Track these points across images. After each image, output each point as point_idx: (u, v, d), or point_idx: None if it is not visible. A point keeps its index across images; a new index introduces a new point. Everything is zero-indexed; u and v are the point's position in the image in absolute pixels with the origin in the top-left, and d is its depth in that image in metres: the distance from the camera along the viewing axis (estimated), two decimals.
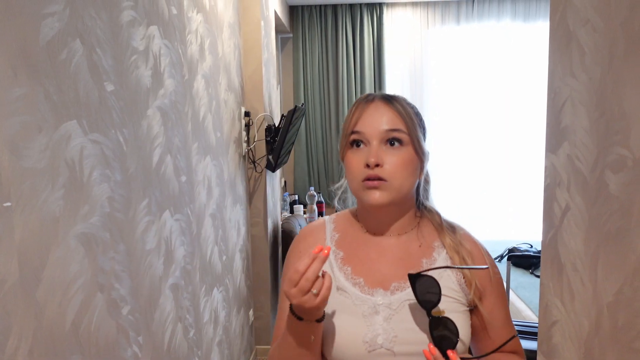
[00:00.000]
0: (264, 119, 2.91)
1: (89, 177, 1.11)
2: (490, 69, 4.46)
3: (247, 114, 2.79)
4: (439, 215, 1.09)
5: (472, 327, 1.00)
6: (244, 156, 2.79)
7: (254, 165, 2.89)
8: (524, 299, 2.58)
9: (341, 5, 4.40)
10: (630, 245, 0.89)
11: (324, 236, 1.06)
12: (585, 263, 1.07)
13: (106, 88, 1.20)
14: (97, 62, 1.16)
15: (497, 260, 3.27)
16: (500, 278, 1.06)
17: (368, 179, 0.94)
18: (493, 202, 4.67)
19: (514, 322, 1.87)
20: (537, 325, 1.92)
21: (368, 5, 4.39)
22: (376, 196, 0.94)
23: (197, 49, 1.95)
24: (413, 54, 4.49)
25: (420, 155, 0.99)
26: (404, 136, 0.96)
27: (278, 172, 3.48)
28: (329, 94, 4.53)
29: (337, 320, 0.95)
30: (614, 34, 0.95)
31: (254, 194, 2.93)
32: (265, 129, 2.92)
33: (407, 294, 0.95)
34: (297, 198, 4.31)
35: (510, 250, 3.21)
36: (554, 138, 1.27)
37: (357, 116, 0.98)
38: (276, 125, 3.03)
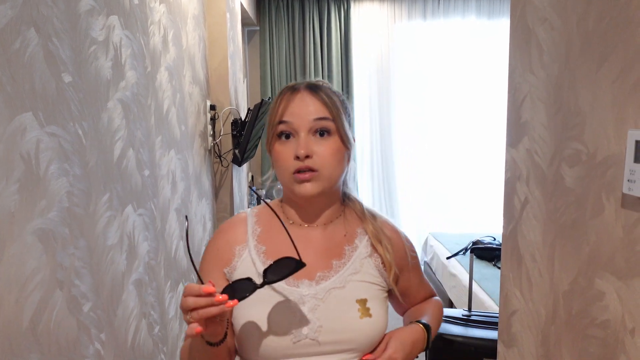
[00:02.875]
0: (229, 112, 2.87)
1: (45, 171, 1.07)
2: (455, 64, 4.54)
3: (212, 107, 2.75)
4: (360, 203, 1.10)
5: (394, 302, 1.07)
6: (210, 150, 2.75)
7: (220, 159, 2.85)
8: (486, 290, 2.65)
9: None
10: (584, 237, 0.93)
11: (245, 230, 1.04)
12: (543, 254, 1.11)
13: (64, 79, 1.17)
14: (53, 52, 1.12)
15: (461, 253, 3.34)
16: (418, 260, 1.13)
17: (299, 171, 0.94)
18: (457, 196, 4.76)
19: (476, 313, 1.92)
20: (497, 315, 1.98)
21: None
22: (308, 188, 0.94)
23: (160, 41, 1.91)
24: (380, 49, 4.52)
25: (346, 143, 0.99)
26: (330, 125, 0.96)
27: (245, 166, 3.45)
28: None
29: (263, 315, 0.94)
30: (570, 32, 0.98)
31: (220, 189, 2.90)
32: (232, 123, 2.88)
33: (332, 283, 0.97)
34: (264, 193, 4.29)
35: (474, 243, 3.29)
36: (514, 133, 1.30)
37: (284, 106, 0.97)
38: (242, 119, 3.00)
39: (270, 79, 4.52)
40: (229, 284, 0.81)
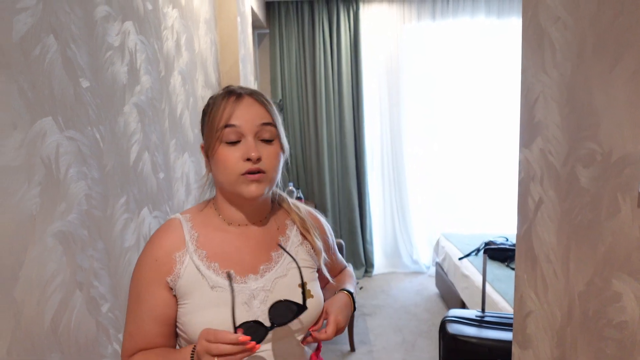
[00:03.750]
0: None
1: (65, 175, 1.10)
2: (465, 65, 4.52)
3: None
4: (286, 198, 1.18)
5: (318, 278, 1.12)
6: None
7: None
8: (499, 291, 2.64)
9: (318, 1, 4.40)
10: (600, 237, 0.93)
11: (181, 236, 1.03)
12: (558, 255, 1.11)
13: (82, 84, 1.19)
14: (71, 58, 1.15)
15: (474, 253, 3.33)
16: (334, 241, 1.25)
17: (249, 172, 0.97)
18: (468, 197, 4.74)
19: (489, 314, 1.92)
20: (512, 316, 1.98)
21: (344, 1, 4.40)
22: (254, 189, 0.98)
23: (173, 45, 1.93)
24: (389, 50, 4.52)
25: (284, 149, 1.07)
26: (274, 130, 1.03)
27: None
28: (307, 89, 4.53)
29: (223, 316, 0.94)
30: (583, 31, 0.99)
31: None
32: None
33: (275, 272, 1.04)
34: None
35: (487, 244, 3.28)
36: (527, 133, 1.30)
37: (229, 111, 1.00)
38: None
39: (281, 81, 4.54)
40: (241, 328, 0.87)
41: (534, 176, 1.24)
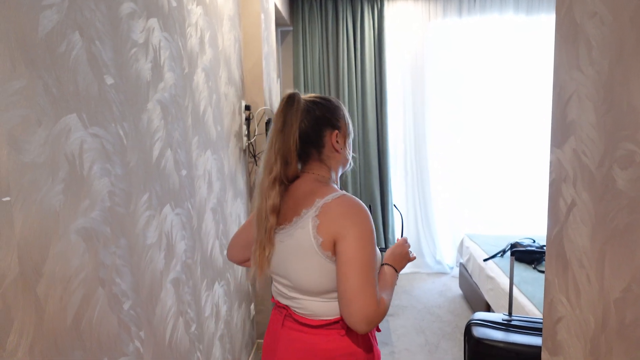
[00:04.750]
0: (264, 112, 2.89)
1: (89, 171, 1.10)
2: (492, 62, 4.44)
3: (247, 107, 2.77)
4: None
5: None
6: (244, 150, 2.77)
7: (255, 159, 2.87)
8: (526, 294, 2.58)
9: None
10: (638, 242, 0.88)
11: None
12: (592, 259, 1.07)
13: (106, 81, 1.19)
14: (96, 54, 1.15)
15: (499, 255, 3.27)
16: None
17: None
18: (493, 196, 4.66)
19: (517, 318, 1.87)
20: (541, 320, 1.93)
21: None
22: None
23: (197, 42, 1.93)
24: (414, 48, 4.46)
25: None
26: None
27: None
28: (329, 87, 4.51)
29: None
30: (623, 27, 0.94)
31: (254, 188, 2.91)
32: (266, 123, 2.90)
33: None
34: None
35: (513, 245, 3.21)
36: (560, 133, 1.26)
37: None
38: None
39: (304, 79, 4.52)
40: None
41: (566, 177, 1.20)
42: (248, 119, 2.80)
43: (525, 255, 3.12)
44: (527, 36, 4.36)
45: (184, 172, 1.73)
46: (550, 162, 1.30)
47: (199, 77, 1.95)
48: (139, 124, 1.37)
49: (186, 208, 1.75)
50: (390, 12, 4.43)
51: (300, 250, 1.20)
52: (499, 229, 4.63)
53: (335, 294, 1.21)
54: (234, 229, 2.48)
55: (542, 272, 2.94)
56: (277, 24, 4.29)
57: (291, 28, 4.52)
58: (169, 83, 1.61)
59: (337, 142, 1.29)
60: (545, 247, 3.24)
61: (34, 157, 0.91)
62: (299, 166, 1.31)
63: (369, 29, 4.38)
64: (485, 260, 3.21)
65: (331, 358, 1.22)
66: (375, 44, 4.43)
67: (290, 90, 1.29)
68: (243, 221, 2.72)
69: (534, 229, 4.67)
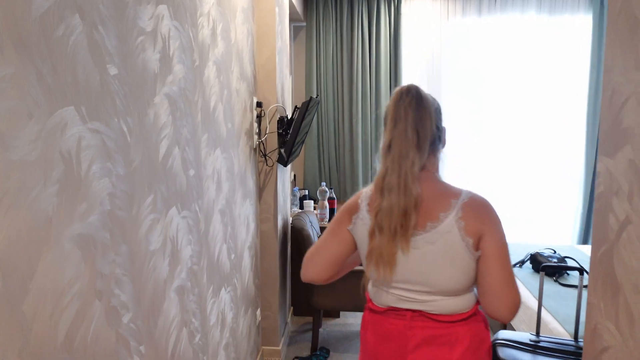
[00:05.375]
0: (276, 110, 2.77)
1: (87, 171, 0.98)
2: (512, 63, 4.29)
3: (259, 104, 2.66)
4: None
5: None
6: (255, 149, 2.66)
7: (265, 158, 2.76)
8: (550, 310, 2.45)
9: None
10: None
11: None
12: None
13: (109, 71, 1.07)
14: (99, 41, 1.03)
15: (516, 265, 3.13)
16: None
17: None
18: (512, 201, 4.51)
19: (545, 338, 1.74)
20: (571, 342, 1.80)
21: None
22: None
23: (209, 34, 1.82)
24: (431, 46, 4.33)
25: None
26: None
27: (289, 166, 3.35)
28: (343, 85, 4.38)
29: None
30: None
31: (264, 189, 2.80)
32: (277, 121, 2.78)
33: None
34: (307, 193, 4.18)
35: (533, 256, 3.06)
36: (611, 140, 1.12)
37: None
38: (288, 117, 2.90)
39: (316, 77, 4.40)
40: None
41: (619, 191, 1.07)
42: (259, 117, 2.69)
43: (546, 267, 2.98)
44: (550, 36, 4.21)
45: (192, 172, 1.62)
46: (599, 173, 1.17)
47: (210, 70, 1.83)
48: (145, 120, 1.26)
49: (193, 210, 1.64)
50: (407, 9, 4.29)
51: (447, 254, 1.21)
52: (515, 235, 4.49)
53: (468, 289, 1.28)
54: (242, 231, 2.37)
55: (565, 285, 2.81)
56: (290, 19, 4.17)
57: (304, 24, 4.39)
58: (178, 76, 1.49)
59: (445, 138, 1.38)
60: (566, 259, 3.11)
61: (24, 155, 0.80)
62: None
63: (385, 26, 4.25)
64: None
65: (476, 345, 1.28)
66: (391, 42, 4.29)
67: (408, 84, 1.29)
68: (252, 223, 2.61)
69: (552, 237, 4.52)
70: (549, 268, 1.84)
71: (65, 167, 0.91)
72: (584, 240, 4.48)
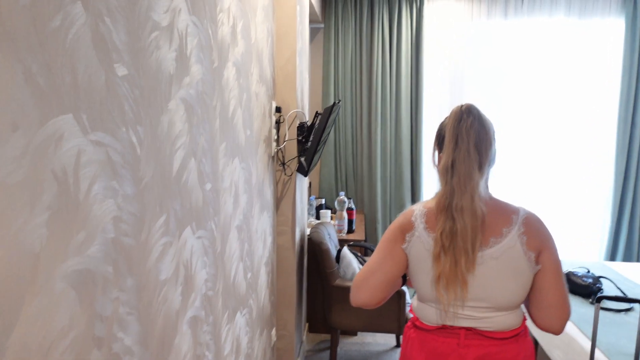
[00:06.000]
0: (295, 115, 2.59)
1: (87, 193, 0.80)
2: (539, 68, 4.09)
3: (277, 109, 2.48)
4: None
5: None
6: (273, 157, 2.48)
7: (284, 167, 2.57)
8: (589, 337, 2.24)
9: None
10: None
11: None
12: None
13: (117, 71, 0.90)
14: (105, 35, 0.86)
15: None
16: None
17: None
18: (538, 211, 4.29)
19: None
20: None
21: None
22: None
23: (229, 32, 1.64)
24: (455, 49, 4.13)
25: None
26: None
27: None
28: (362, 89, 4.20)
29: None
30: None
31: (281, 200, 2.62)
32: (297, 127, 2.60)
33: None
34: (323, 202, 3.99)
35: (567, 276, 2.85)
36: None
37: None
38: (308, 123, 2.72)
39: (334, 80, 4.22)
40: None
41: None
42: (278, 122, 2.51)
43: (580, 288, 2.77)
44: (580, 40, 4.01)
45: (208, 186, 1.44)
46: None
47: (230, 72, 1.66)
48: (158, 128, 1.08)
49: (209, 229, 1.46)
50: (430, 10, 4.11)
51: (510, 269, 1.25)
52: None
53: (520, 304, 1.31)
54: (259, 247, 2.19)
55: (604, 309, 2.59)
56: (308, 20, 4.00)
57: (322, 25, 4.22)
58: (195, 78, 1.31)
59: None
60: (601, 279, 2.89)
61: (4, 176, 0.62)
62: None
63: (407, 28, 4.07)
64: None
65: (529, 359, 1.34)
66: (412, 45, 4.11)
67: (467, 103, 1.31)
68: (269, 237, 2.42)
69: (579, 251, 4.30)
70: (606, 298, 1.64)
71: (59, 188, 0.73)
72: (612, 256, 4.25)
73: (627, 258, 4.18)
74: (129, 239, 0.95)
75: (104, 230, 0.86)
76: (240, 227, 1.83)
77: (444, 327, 1.33)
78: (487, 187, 1.33)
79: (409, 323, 1.45)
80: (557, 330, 1.28)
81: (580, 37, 4.01)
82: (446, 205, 1.26)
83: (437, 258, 1.27)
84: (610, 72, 4.03)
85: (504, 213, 1.29)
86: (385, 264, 1.35)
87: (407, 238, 1.33)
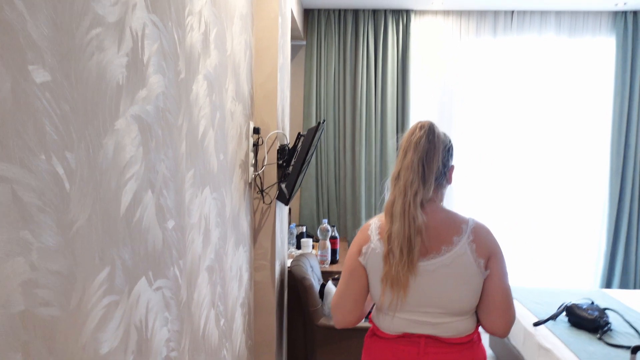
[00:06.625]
0: (276, 137, 2.35)
1: None
2: (529, 86, 3.96)
3: (256, 130, 2.23)
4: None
5: None
6: (250, 183, 2.22)
7: (262, 194, 2.31)
8: None
9: (363, 10, 3.88)
10: None
11: None
12: None
13: (33, 77, 0.64)
14: (14, 24, 0.60)
15: (549, 320, 2.70)
16: None
17: None
18: (527, 241, 4.11)
19: None
20: None
21: (394, 11, 3.88)
22: None
23: (200, 39, 1.40)
24: (442, 68, 3.97)
25: None
26: None
27: None
28: (345, 110, 3.99)
29: None
30: None
31: (259, 231, 2.35)
32: (278, 150, 2.36)
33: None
34: (304, 230, 3.72)
35: (569, 308, 2.65)
36: None
37: None
38: (289, 145, 2.47)
39: (316, 99, 4.00)
40: None
41: None
42: (256, 145, 2.26)
43: (585, 322, 2.56)
44: (570, 59, 3.90)
45: (170, 224, 1.17)
46: None
47: (200, 86, 1.41)
48: (99, 154, 0.82)
49: (172, 276, 1.19)
50: (417, 27, 3.95)
51: (461, 275, 1.31)
52: (532, 276, 4.08)
53: (473, 309, 1.38)
54: (234, 287, 1.91)
55: (613, 345, 2.38)
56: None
57: (304, 42, 4.02)
58: (155, 91, 1.06)
59: (451, 176, 1.46)
60: (607, 311, 2.69)
61: None
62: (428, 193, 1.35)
63: (393, 46, 3.89)
64: (536, 324, 2.64)
65: None
66: (399, 62, 3.93)
67: (425, 120, 1.40)
68: (245, 274, 2.15)
69: (572, 278, 4.12)
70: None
71: None
72: (608, 282, 4.08)
73: (623, 284, 4.01)
74: (50, 309, 0.68)
75: (6, 303, 0.59)
76: (211, 268, 1.56)
77: (404, 336, 1.37)
78: (438, 200, 1.41)
79: (368, 332, 1.50)
80: (503, 332, 1.36)
81: (570, 56, 3.90)
82: (389, 210, 1.35)
83: (385, 260, 1.33)
84: (601, 91, 3.92)
85: (454, 223, 1.36)
86: (351, 283, 1.41)
87: (363, 250, 1.39)
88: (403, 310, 1.35)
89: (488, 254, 1.33)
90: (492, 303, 1.33)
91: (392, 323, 1.38)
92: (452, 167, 1.44)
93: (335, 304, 1.44)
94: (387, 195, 1.40)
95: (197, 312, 1.42)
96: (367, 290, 1.42)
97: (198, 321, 1.43)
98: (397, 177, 1.36)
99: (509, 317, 1.35)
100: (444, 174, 1.42)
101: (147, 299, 1.03)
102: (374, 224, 1.41)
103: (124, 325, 0.92)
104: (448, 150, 1.41)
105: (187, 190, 1.31)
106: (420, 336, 1.35)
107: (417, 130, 1.36)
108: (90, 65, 0.79)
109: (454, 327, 1.35)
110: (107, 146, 0.85)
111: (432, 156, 1.34)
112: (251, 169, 2.19)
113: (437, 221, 1.35)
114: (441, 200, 1.43)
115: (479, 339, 1.43)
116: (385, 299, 1.34)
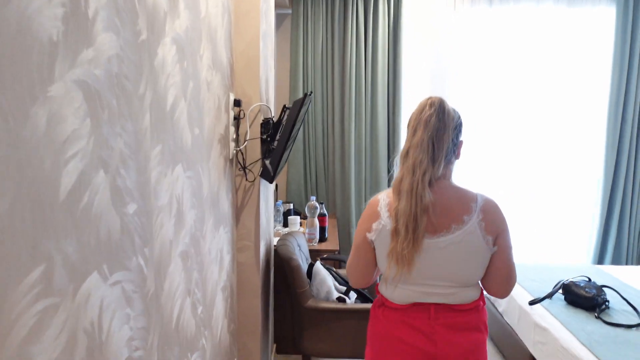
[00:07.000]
0: (259, 110, 2.18)
1: None
2: (526, 57, 3.81)
3: (237, 102, 2.07)
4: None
5: None
6: (231, 160, 2.06)
7: (245, 172, 2.16)
8: (600, 357, 1.94)
9: None
10: None
11: None
12: None
13: None
14: None
15: (545, 298, 2.61)
16: None
17: None
18: (521, 215, 4.02)
19: None
20: None
21: None
22: None
23: None
24: (436, 39, 3.80)
25: None
26: None
27: None
28: (334, 82, 3.81)
29: None
30: None
31: (242, 210, 2.21)
32: (261, 124, 2.20)
33: None
34: (292, 207, 3.59)
35: (566, 286, 2.56)
36: None
37: None
38: (274, 119, 2.31)
39: (303, 71, 3.82)
40: None
41: None
42: (237, 118, 2.09)
43: (582, 300, 2.48)
44: (569, 29, 3.74)
45: (131, 208, 1.02)
46: None
47: (167, 51, 1.24)
48: (24, 127, 0.66)
49: (135, 267, 1.04)
50: None
51: (470, 252, 1.36)
52: (525, 251, 4.01)
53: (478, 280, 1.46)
54: (213, 272, 1.78)
55: (612, 324, 2.30)
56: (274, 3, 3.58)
57: (290, 11, 3.81)
58: (105, 52, 0.90)
59: (460, 151, 1.48)
60: (604, 288, 2.61)
61: None
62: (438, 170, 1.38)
63: (384, 15, 3.70)
64: (531, 303, 2.55)
65: (485, 326, 1.49)
66: (390, 33, 3.75)
67: (434, 96, 1.43)
68: (227, 256, 2.01)
69: (565, 253, 4.05)
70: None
71: None
72: (600, 257, 4.02)
73: (615, 259, 3.96)
74: None
75: None
76: (185, 254, 1.42)
77: (414, 304, 1.43)
78: (447, 177, 1.43)
79: (375, 303, 1.55)
80: (504, 296, 1.47)
81: (569, 26, 3.75)
82: (397, 188, 1.38)
83: (392, 236, 1.37)
84: (600, 62, 3.78)
85: (464, 201, 1.38)
86: (359, 257, 1.49)
87: (374, 227, 1.43)
88: (412, 283, 1.41)
89: (496, 232, 1.38)
90: (499, 276, 1.42)
91: (402, 294, 1.44)
92: (461, 142, 1.47)
93: (348, 271, 1.55)
94: (396, 171, 1.42)
95: (169, 304, 1.28)
96: (375, 262, 1.49)
97: (170, 313, 1.29)
98: (406, 155, 1.38)
99: (511, 284, 1.45)
100: (453, 151, 1.44)
101: (101, 296, 0.89)
102: (383, 200, 1.44)
103: (67, 332, 0.78)
104: (458, 127, 1.43)
105: (154, 169, 1.15)
106: (430, 304, 1.42)
107: (427, 107, 1.37)
108: (6, 13, 0.63)
109: (462, 296, 1.42)
110: (36, 116, 0.69)
111: (442, 135, 1.35)
112: (232, 144, 2.04)
113: (446, 199, 1.38)
114: (450, 176, 1.46)
115: (484, 303, 1.51)
116: (390, 272, 1.40)
